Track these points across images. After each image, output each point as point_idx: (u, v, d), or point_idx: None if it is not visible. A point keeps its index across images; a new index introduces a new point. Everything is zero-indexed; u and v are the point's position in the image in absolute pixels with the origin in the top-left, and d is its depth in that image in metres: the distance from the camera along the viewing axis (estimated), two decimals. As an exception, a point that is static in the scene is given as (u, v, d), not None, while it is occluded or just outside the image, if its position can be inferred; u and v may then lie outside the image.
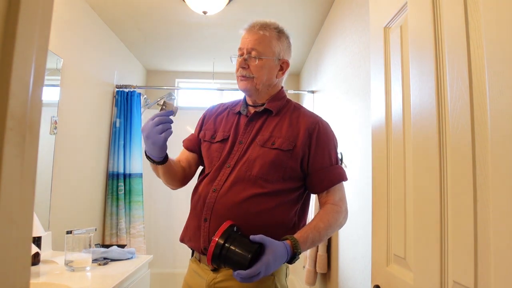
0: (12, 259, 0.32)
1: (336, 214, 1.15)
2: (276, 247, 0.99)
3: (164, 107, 1.12)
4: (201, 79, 3.93)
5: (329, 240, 2.23)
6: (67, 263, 1.52)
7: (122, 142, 2.87)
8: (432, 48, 0.75)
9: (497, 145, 0.55)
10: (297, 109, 1.26)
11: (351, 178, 1.87)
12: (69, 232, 1.56)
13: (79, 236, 1.56)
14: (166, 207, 3.68)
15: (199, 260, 1.18)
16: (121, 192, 2.81)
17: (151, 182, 3.64)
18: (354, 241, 1.79)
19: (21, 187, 0.33)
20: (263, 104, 1.24)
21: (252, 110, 1.26)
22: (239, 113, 1.28)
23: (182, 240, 1.22)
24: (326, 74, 2.62)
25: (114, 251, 1.76)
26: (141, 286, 1.71)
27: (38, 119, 0.35)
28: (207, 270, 1.14)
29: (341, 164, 2.05)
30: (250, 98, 1.26)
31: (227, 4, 2.35)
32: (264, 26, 1.22)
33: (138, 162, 2.95)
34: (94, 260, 1.64)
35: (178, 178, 1.27)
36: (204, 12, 2.30)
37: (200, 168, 1.33)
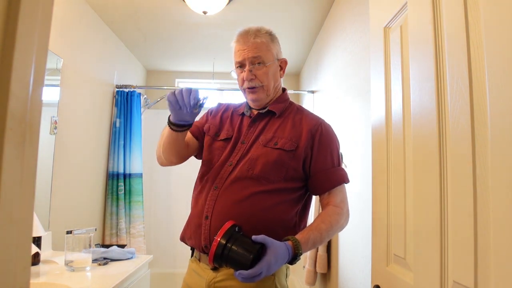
0: (12, 259, 0.32)
1: (337, 216, 1.15)
2: (277, 247, 0.99)
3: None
4: (201, 79, 3.93)
5: (329, 240, 2.23)
6: (67, 263, 1.52)
7: (122, 142, 2.87)
8: (432, 48, 0.75)
9: (497, 145, 0.55)
10: (300, 111, 1.27)
11: (351, 178, 1.87)
12: (69, 232, 1.56)
13: (79, 236, 1.56)
14: (166, 207, 3.68)
15: (199, 259, 1.18)
16: (121, 192, 2.81)
17: (151, 182, 3.65)
18: (354, 241, 1.79)
19: (21, 187, 0.33)
20: (266, 107, 1.25)
21: (255, 111, 1.27)
22: (242, 114, 1.29)
23: (182, 238, 1.23)
24: (326, 74, 2.62)
25: (114, 251, 1.76)
26: (141, 286, 1.71)
27: (38, 119, 0.35)
28: (207, 269, 1.14)
29: (341, 164, 2.05)
30: (259, 105, 1.26)
31: (227, 4, 2.35)
32: (257, 34, 1.21)
33: (138, 162, 2.95)
34: (94, 260, 1.64)
35: (182, 153, 1.28)
36: (204, 12, 2.30)
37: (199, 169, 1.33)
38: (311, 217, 1.26)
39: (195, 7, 2.28)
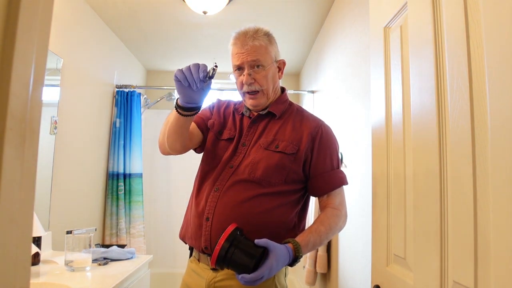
0: (12, 259, 0.32)
1: (336, 218, 1.16)
2: (279, 251, 1.00)
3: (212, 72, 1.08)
4: (201, 79, 3.93)
5: (329, 240, 2.23)
6: (67, 263, 1.52)
7: (122, 142, 2.87)
8: (432, 48, 0.75)
9: (497, 145, 0.55)
10: (300, 112, 1.27)
11: (351, 178, 1.87)
12: (69, 232, 1.56)
13: (79, 236, 1.56)
14: (166, 207, 3.68)
15: (199, 260, 1.18)
16: (121, 192, 2.81)
17: (151, 182, 3.65)
18: (354, 241, 1.79)
19: (21, 187, 0.33)
20: (266, 108, 1.24)
21: (255, 112, 1.26)
22: (242, 114, 1.28)
23: (182, 237, 1.23)
24: (326, 74, 2.62)
25: (114, 251, 1.76)
26: (141, 286, 1.71)
27: (38, 119, 0.35)
28: (206, 269, 1.14)
29: (341, 164, 2.05)
30: (259, 109, 1.24)
31: (227, 4, 2.35)
32: (255, 36, 1.18)
33: (138, 162, 2.95)
34: (94, 260, 1.64)
35: (186, 142, 1.24)
36: (204, 12, 2.30)
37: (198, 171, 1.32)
38: (309, 218, 1.27)
39: (195, 7, 2.28)
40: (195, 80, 1.04)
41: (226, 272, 1.10)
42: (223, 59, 3.56)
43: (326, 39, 2.60)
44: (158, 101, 3.42)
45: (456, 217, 0.66)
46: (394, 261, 0.93)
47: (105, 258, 1.71)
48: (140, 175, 2.96)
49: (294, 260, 1.04)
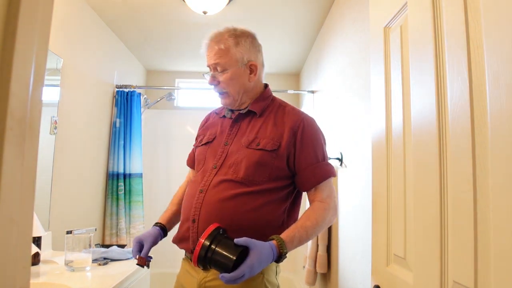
0: (12, 259, 0.32)
1: (323, 212, 1.15)
2: (261, 249, 1.00)
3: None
4: (201, 79, 3.93)
5: (329, 240, 2.23)
6: (67, 263, 1.52)
7: (122, 142, 2.87)
8: (432, 48, 0.75)
9: (497, 145, 0.55)
10: (282, 108, 1.26)
11: (351, 178, 1.87)
12: (69, 232, 1.56)
13: (79, 236, 1.56)
14: (166, 207, 3.67)
15: (191, 259, 1.19)
16: (121, 192, 2.81)
17: (151, 182, 3.65)
18: (354, 241, 1.79)
19: (21, 187, 0.33)
20: (247, 107, 1.26)
21: (236, 112, 1.28)
22: (224, 116, 1.31)
23: (174, 241, 1.25)
24: (326, 74, 2.62)
25: (114, 251, 1.76)
26: (141, 286, 1.71)
27: (38, 119, 0.35)
28: (198, 269, 1.15)
29: (341, 164, 2.05)
30: (232, 107, 1.28)
31: (227, 4, 2.35)
32: (219, 39, 1.20)
33: (138, 162, 2.95)
34: (94, 260, 1.64)
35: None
36: (204, 12, 2.30)
37: None
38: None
39: (195, 7, 2.28)
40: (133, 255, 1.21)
41: (216, 272, 1.10)
42: (223, 59, 3.57)
43: (326, 39, 2.60)
44: (158, 101, 3.42)
45: (456, 217, 0.66)
46: (394, 261, 0.93)
47: (105, 258, 1.71)
48: (140, 175, 2.96)
49: (279, 257, 1.04)
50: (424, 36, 0.79)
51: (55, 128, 2.02)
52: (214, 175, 1.18)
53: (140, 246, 1.20)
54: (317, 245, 2.25)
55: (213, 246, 0.99)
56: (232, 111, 1.29)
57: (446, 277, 0.68)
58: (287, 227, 1.15)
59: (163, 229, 1.29)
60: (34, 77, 0.34)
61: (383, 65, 1.02)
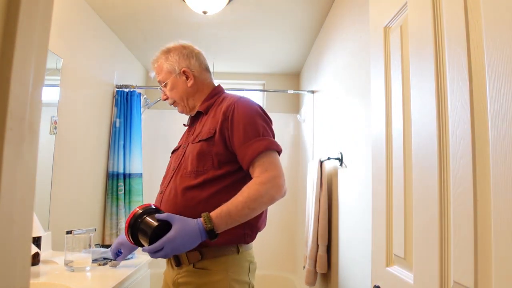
0: (12, 259, 0.32)
1: (257, 186, 1.12)
2: (183, 224, 1.06)
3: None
4: (201, 79, 3.93)
5: (329, 240, 2.23)
6: (67, 263, 1.52)
7: (122, 142, 2.87)
8: (432, 48, 0.75)
9: (497, 144, 0.55)
10: (224, 100, 1.32)
11: (351, 178, 1.87)
12: (69, 232, 1.56)
13: (79, 236, 1.56)
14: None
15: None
16: (121, 192, 2.81)
17: (151, 182, 3.64)
18: (354, 241, 1.79)
19: (21, 187, 0.33)
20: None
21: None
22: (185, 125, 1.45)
23: None
24: (326, 74, 2.62)
25: (114, 251, 1.75)
26: (141, 286, 1.71)
27: (38, 119, 0.35)
28: (174, 268, 1.24)
29: (341, 164, 2.05)
30: (188, 114, 1.42)
31: (227, 4, 2.35)
32: (155, 60, 1.39)
33: (138, 162, 2.95)
34: (94, 260, 1.64)
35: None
36: (204, 12, 2.30)
37: None
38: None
39: (195, 7, 2.28)
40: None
41: (186, 270, 1.19)
42: (223, 59, 3.57)
43: (326, 39, 2.60)
44: (158, 101, 3.41)
45: (456, 217, 0.66)
46: (394, 261, 0.93)
47: (105, 258, 1.71)
48: (140, 175, 2.96)
49: (209, 234, 1.06)
50: (424, 36, 0.79)
51: (55, 128, 2.02)
52: (172, 176, 1.27)
53: (118, 249, 1.44)
54: (317, 246, 2.25)
55: (137, 224, 1.09)
56: (189, 117, 1.42)
57: (446, 277, 0.68)
58: None
59: None
60: (34, 77, 0.34)
61: (383, 65, 1.02)
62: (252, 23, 2.71)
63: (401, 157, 0.90)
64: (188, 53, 1.37)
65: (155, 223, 1.07)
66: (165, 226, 1.07)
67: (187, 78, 1.35)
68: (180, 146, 1.38)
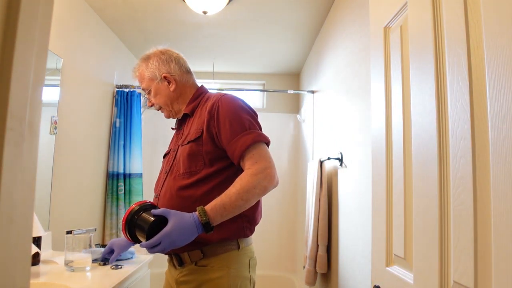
0: (12, 259, 0.32)
1: (249, 177, 1.12)
2: (179, 219, 1.06)
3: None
4: (201, 79, 3.93)
5: (329, 240, 2.23)
6: (67, 263, 1.52)
7: (122, 142, 2.87)
8: (432, 48, 0.75)
9: (497, 144, 0.55)
10: (208, 99, 1.33)
11: (351, 178, 1.87)
12: (69, 232, 1.56)
13: (79, 236, 1.56)
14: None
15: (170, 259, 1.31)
16: (121, 192, 2.81)
17: (151, 182, 3.64)
18: (354, 241, 1.79)
19: (21, 187, 0.33)
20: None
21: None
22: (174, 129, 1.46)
23: None
24: (326, 74, 2.62)
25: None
26: (141, 286, 1.71)
27: (38, 119, 0.35)
28: (176, 268, 1.25)
29: (341, 164, 2.05)
30: (175, 117, 1.43)
31: (227, 4, 2.35)
32: (136, 69, 1.41)
33: (138, 162, 2.94)
34: (94, 260, 1.64)
35: None
36: (204, 12, 2.30)
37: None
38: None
39: (195, 7, 2.28)
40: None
41: (188, 268, 1.20)
42: (223, 59, 3.57)
43: (326, 39, 2.60)
44: (158, 101, 3.41)
45: (456, 217, 0.66)
46: (394, 261, 0.93)
47: (105, 258, 1.71)
48: (140, 175, 2.96)
49: (205, 227, 1.07)
50: (424, 36, 0.79)
51: (55, 128, 2.02)
52: (165, 179, 1.29)
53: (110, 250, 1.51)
54: (317, 245, 2.25)
55: (134, 220, 1.11)
56: (177, 121, 1.43)
57: (446, 277, 0.68)
58: None
59: None
60: (34, 77, 0.34)
61: (383, 65, 1.02)
62: (252, 23, 2.71)
63: (401, 157, 0.90)
64: (167, 58, 1.38)
65: (152, 219, 1.08)
66: (161, 221, 1.08)
67: (169, 83, 1.36)
68: (170, 150, 1.39)
